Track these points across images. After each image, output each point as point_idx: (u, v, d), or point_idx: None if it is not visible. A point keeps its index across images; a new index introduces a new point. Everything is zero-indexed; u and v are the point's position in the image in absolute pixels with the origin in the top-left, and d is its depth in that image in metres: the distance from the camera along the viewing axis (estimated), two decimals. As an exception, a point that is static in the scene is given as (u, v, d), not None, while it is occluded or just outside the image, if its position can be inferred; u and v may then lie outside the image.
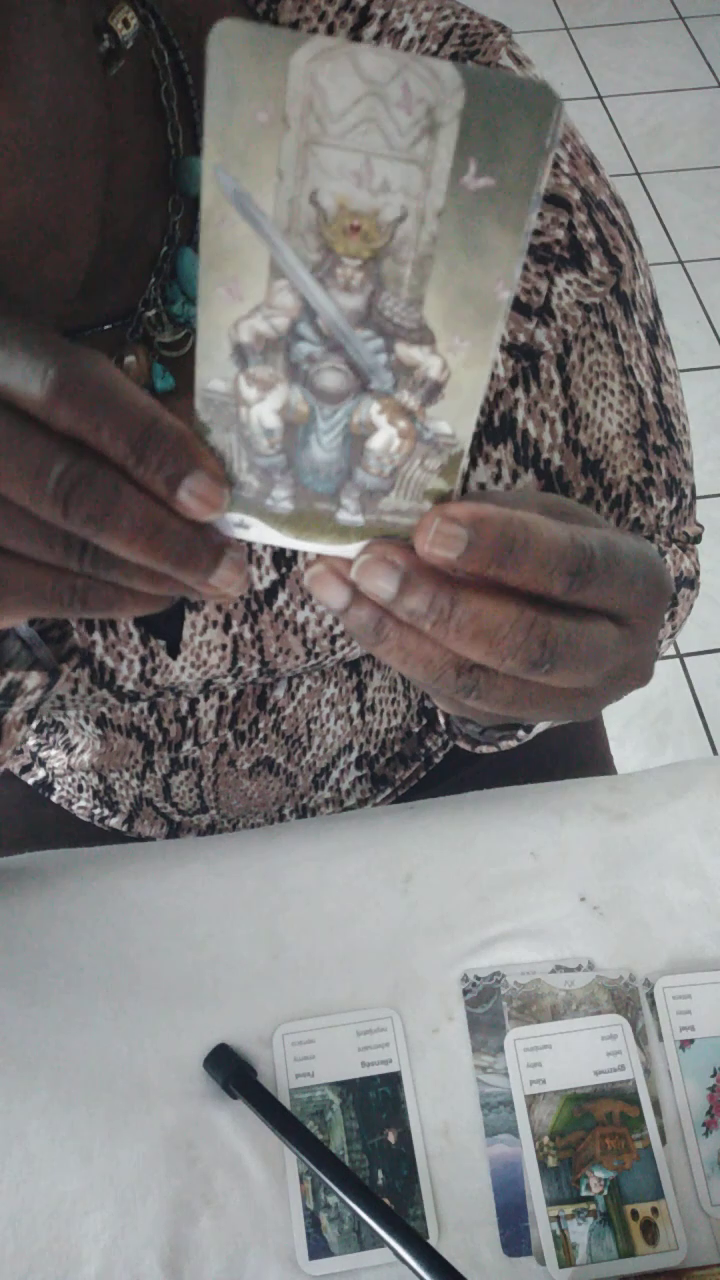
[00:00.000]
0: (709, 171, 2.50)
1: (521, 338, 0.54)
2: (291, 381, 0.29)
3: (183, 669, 0.59)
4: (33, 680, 0.48)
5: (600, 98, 2.65)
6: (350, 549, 0.32)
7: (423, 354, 0.28)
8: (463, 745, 0.66)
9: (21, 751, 0.79)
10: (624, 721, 1.71)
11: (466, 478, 0.57)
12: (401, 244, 0.26)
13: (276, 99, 0.24)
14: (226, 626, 0.58)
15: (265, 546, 0.56)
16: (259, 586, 0.57)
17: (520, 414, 0.56)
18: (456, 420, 0.29)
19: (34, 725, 0.73)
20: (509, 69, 0.52)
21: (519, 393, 0.55)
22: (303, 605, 0.58)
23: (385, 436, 0.30)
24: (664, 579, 0.37)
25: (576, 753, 0.84)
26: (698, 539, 0.69)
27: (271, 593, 0.58)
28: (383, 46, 0.24)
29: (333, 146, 0.25)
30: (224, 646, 0.59)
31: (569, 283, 0.54)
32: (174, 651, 0.59)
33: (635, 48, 2.77)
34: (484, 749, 0.64)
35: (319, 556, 0.33)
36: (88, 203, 0.40)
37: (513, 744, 0.63)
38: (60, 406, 0.29)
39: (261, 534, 0.32)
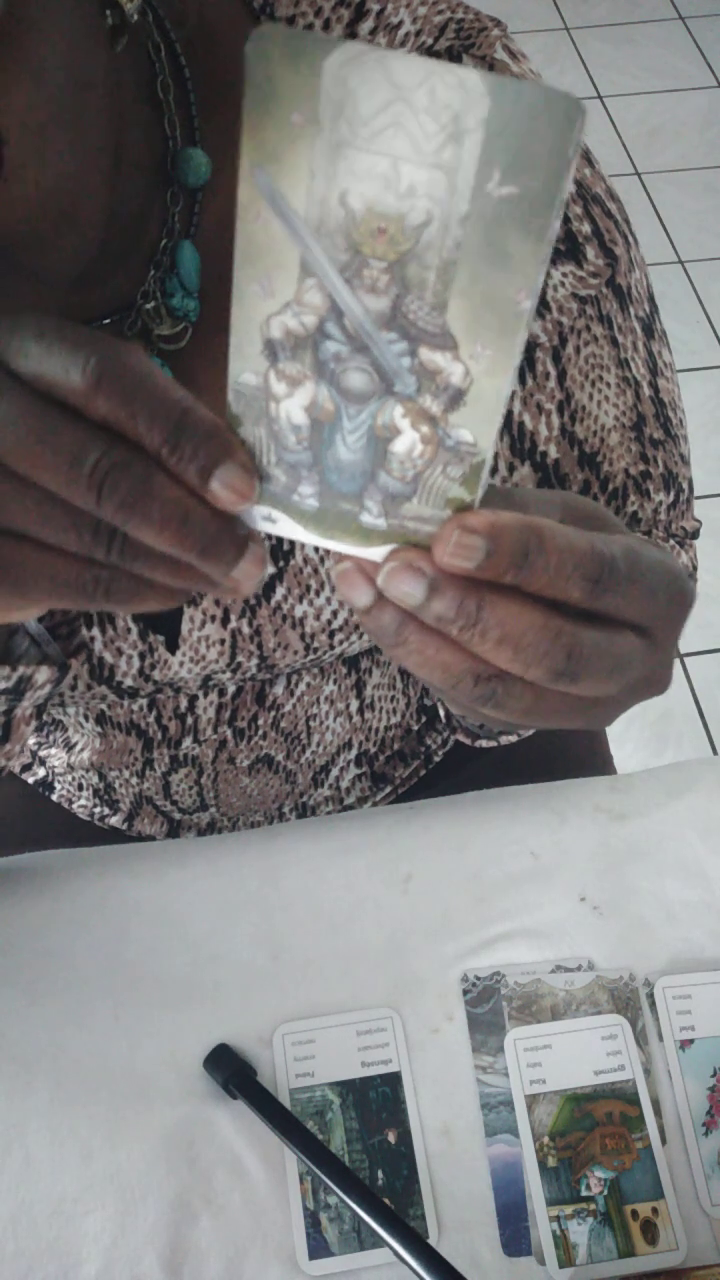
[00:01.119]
0: (709, 171, 2.50)
1: None
2: (319, 379, 0.30)
3: (181, 664, 0.59)
4: (42, 675, 0.49)
5: (600, 98, 2.65)
6: (372, 552, 0.32)
7: (445, 360, 0.28)
8: (462, 739, 0.66)
9: (23, 750, 0.79)
10: (624, 721, 1.71)
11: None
12: (426, 248, 0.27)
13: (310, 101, 0.25)
14: (225, 621, 0.58)
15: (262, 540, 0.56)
16: None
17: (516, 406, 0.56)
18: (478, 429, 0.29)
19: (39, 722, 0.73)
20: (505, 63, 0.52)
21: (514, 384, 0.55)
22: (300, 600, 0.58)
23: (408, 440, 0.30)
24: (685, 588, 0.37)
25: (576, 753, 0.84)
26: (695, 534, 0.69)
27: (269, 587, 0.58)
28: (413, 54, 0.24)
29: (362, 149, 0.25)
30: (222, 641, 0.59)
31: (564, 275, 0.54)
32: (172, 647, 0.59)
33: (635, 48, 2.77)
34: (484, 743, 0.64)
35: (348, 555, 0.33)
36: (99, 179, 0.40)
37: (513, 739, 0.63)
38: (98, 396, 0.29)
39: (288, 529, 0.33)
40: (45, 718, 0.73)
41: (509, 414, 0.56)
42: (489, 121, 0.24)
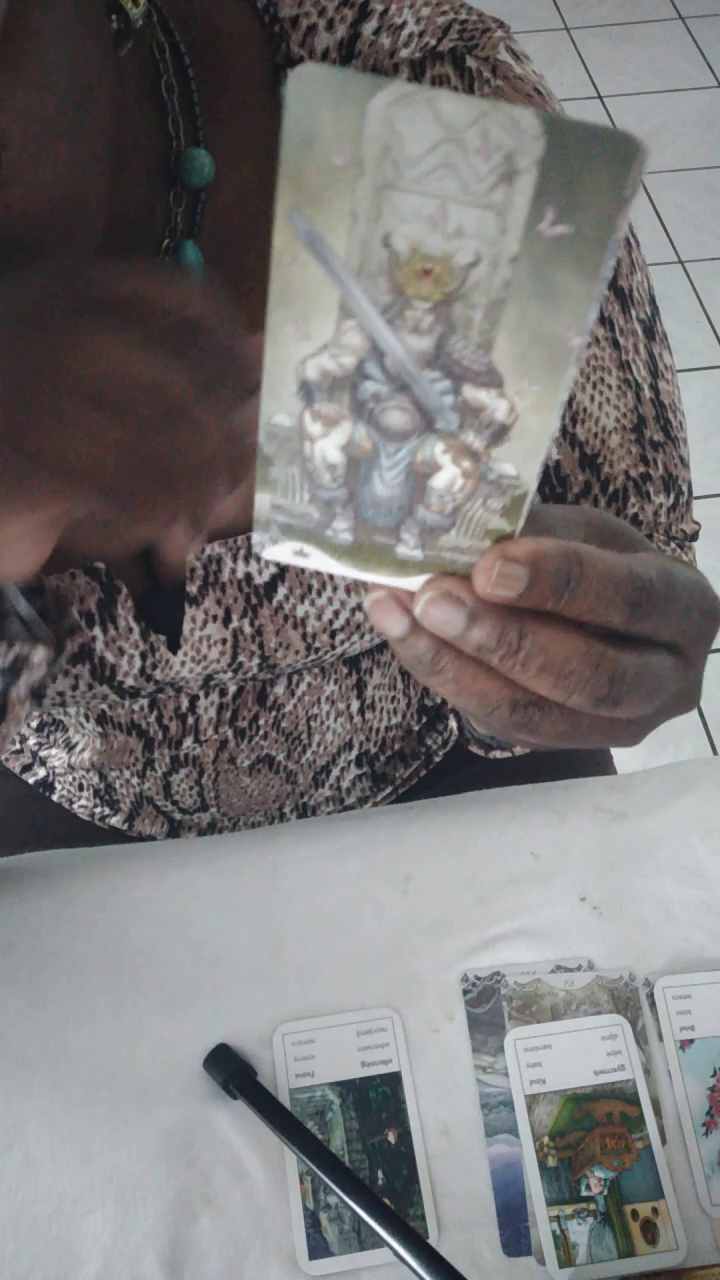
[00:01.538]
0: (709, 171, 2.50)
1: None
2: (356, 419, 0.29)
3: (183, 664, 0.59)
4: (39, 654, 0.49)
5: (600, 98, 2.65)
6: (408, 582, 0.32)
7: (490, 397, 0.28)
8: (476, 750, 0.66)
9: (22, 750, 0.79)
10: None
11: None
12: (474, 288, 0.26)
13: (353, 142, 0.24)
14: (226, 621, 0.58)
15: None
16: (259, 580, 0.57)
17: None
18: (521, 462, 0.29)
19: (38, 714, 0.73)
20: (507, 64, 0.52)
21: None
22: (302, 599, 0.58)
23: (448, 476, 0.30)
24: (716, 605, 0.37)
25: (576, 753, 0.84)
26: (694, 537, 0.69)
27: (271, 586, 0.57)
28: (464, 94, 0.24)
29: (408, 190, 0.25)
30: (224, 641, 0.59)
31: None
32: (174, 646, 0.59)
33: (635, 48, 2.77)
34: (498, 754, 0.64)
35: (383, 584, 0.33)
36: (100, 182, 0.40)
37: (528, 749, 0.63)
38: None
39: (320, 562, 0.33)
40: (46, 718, 0.73)
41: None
42: (544, 161, 0.24)
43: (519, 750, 0.63)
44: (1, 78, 0.34)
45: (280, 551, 0.33)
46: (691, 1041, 0.58)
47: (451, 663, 0.32)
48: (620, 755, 0.90)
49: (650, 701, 0.34)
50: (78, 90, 0.37)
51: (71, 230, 0.39)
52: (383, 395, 0.29)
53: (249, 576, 0.57)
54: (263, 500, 0.32)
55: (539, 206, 0.25)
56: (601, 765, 0.87)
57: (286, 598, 0.58)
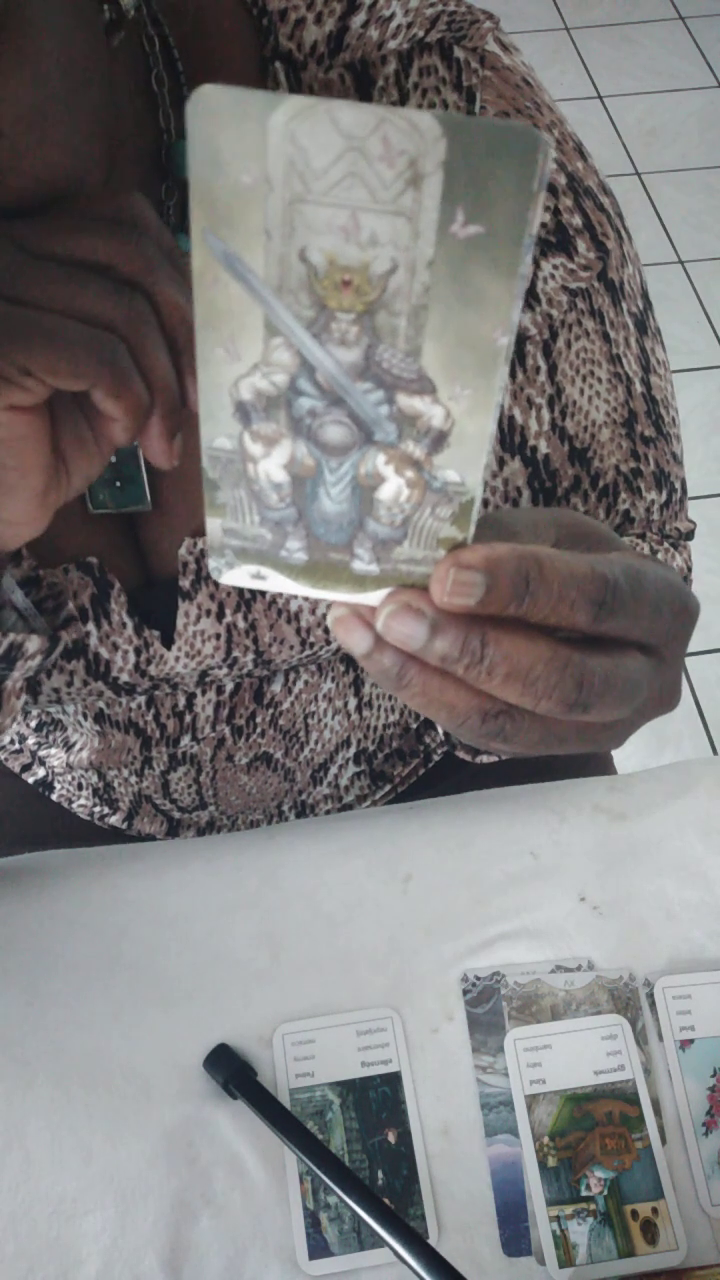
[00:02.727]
0: (709, 171, 2.50)
1: None
2: (296, 436, 0.29)
3: (177, 659, 0.59)
4: (33, 644, 0.49)
5: (600, 98, 2.65)
6: (368, 598, 0.32)
7: (424, 404, 0.28)
8: (463, 755, 0.66)
9: (21, 750, 0.79)
10: (623, 721, 1.70)
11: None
12: (394, 296, 0.26)
13: (258, 160, 0.24)
14: (220, 615, 0.58)
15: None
16: None
17: (506, 400, 0.56)
18: (464, 468, 0.29)
19: (36, 712, 0.73)
20: (496, 55, 0.53)
21: None
22: None
23: (394, 487, 0.30)
24: (689, 602, 0.37)
25: (576, 753, 0.83)
26: (689, 535, 0.69)
27: None
28: (361, 103, 0.24)
29: (318, 203, 0.25)
30: (218, 636, 0.59)
31: (555, 267, 0.54)
32: (168, 641, 0.59)
33: (635, 48, 2.77)
34: (484, 759, 0.64)
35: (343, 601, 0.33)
36: (96, 169, 0.41)
37: (509, 756, 0.63)
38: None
39: (279, 584, 0.33)
40: (45, 717, 0.73)
41: (499, 408, 0.56)
42: (448, 163, 0.24)
43: (505, 755, 0.63)
44: None
45: (237, 576, 0.33)
46: (691, 1041, 0.58)
47: (418, 675, 0.32)
48: (620, 755, 0.90)
49: (624, 704, 0.34)
50: (71, 80, 0.37)
51: None
52: (319, 410, 0.29)
53: None
54: (214, 525, 0.32)
55: (449, 208, 0.25)
56: (601, 765, 0.87)
57: (280, 592, 0.58)
